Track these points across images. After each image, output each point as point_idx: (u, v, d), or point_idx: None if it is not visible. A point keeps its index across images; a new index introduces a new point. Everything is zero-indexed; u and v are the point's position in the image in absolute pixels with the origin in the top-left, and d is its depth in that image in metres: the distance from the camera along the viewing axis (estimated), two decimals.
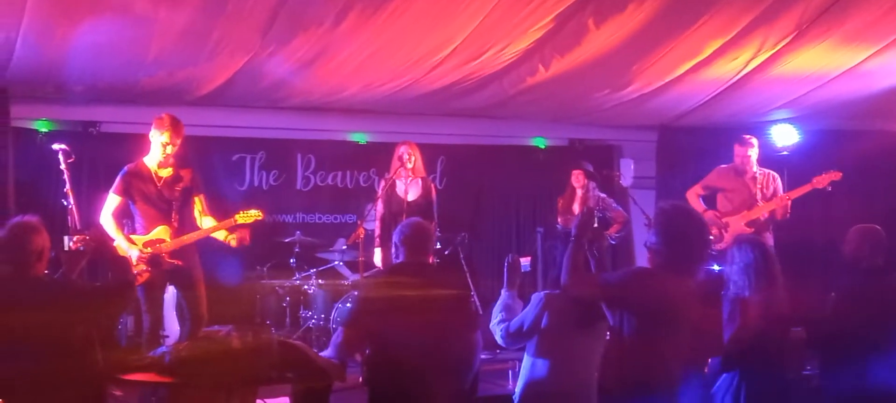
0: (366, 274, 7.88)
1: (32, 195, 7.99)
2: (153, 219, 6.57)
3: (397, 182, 7.94)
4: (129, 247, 6.40)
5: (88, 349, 4.43)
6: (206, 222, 6.65)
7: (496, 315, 5.11)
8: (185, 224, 6.61)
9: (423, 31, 7.08)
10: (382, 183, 8.10)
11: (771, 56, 7.88)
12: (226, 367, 4.48)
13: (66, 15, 6.42)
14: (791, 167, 9.02)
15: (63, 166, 6.31)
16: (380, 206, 8.02)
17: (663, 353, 4.29)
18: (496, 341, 5.21)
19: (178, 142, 6.54)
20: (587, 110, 9.64)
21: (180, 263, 6.53)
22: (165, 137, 6.43)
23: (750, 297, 4.95)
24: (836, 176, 8.15)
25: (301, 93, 8.63)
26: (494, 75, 8.19)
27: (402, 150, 7.87)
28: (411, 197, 7.89)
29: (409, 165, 7.83)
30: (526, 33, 7.22)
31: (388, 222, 7.79)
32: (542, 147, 10.55)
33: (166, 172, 6.54)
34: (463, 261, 8.48)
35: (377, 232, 8.04)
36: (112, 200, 6.51)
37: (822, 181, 8.16)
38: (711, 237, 8.14)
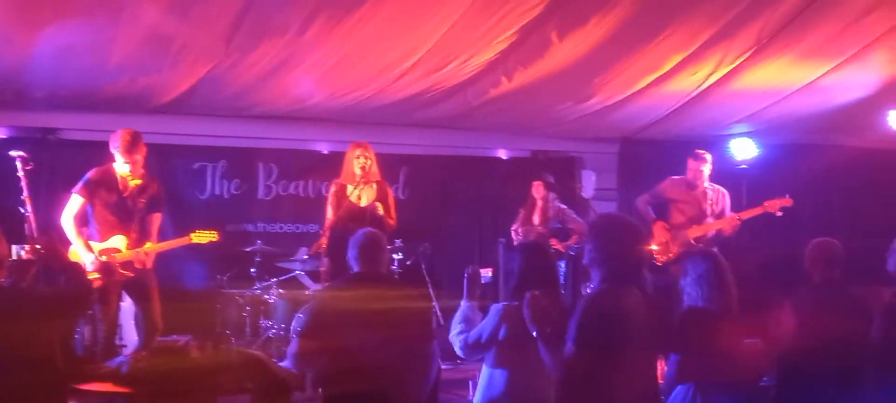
0: (322, 285, 7.77)
1: None
2: (111, 227, 6.54)
3: (348, 186, 7.50)
4: (85, 253, 6.36)
5: (49, 357, 4.39)
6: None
7: (455, 326, 5.10)
8: (143, 235, 6.59)
9: (388, 41, 7.10)
10: (331, 187, 7.66)
11: (731, 70, 7.99)
12: (184, 377, 4.47)
13: (26, 21, 6.37)
14: (749, 180, 9.12)
15: (21, 173, 6.25)
16: (328, 213, 7.58)
17: (622, 371, 4.28)
18: (456, 352, 5.22)
19: (138, 158, 6.52)
20: (549, 122, 9.70)
21: (133, 274, 6.50)
22: (121, 157, 6.43)
23: (703, 308, 5.00)
24: (787, 202, 8.21)
25: (264, 102, 8.60)
26: (458, 86, 8.22)
27: (357, 153, 7.43)
28: (364, 201, 7.48)
29: (358, 171, 7.36)
30: (490, 45, 7.27)
31: (339, 229, 7.31)
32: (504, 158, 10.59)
33: (135, 182, 6.51)
34: (425, 271, 8.48)
35: (324, 240, 7.54)
36: (75, 202, 6.47)
37: (774, 205, 8.22)
38: (655, 247, 8.24)
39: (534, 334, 4.27)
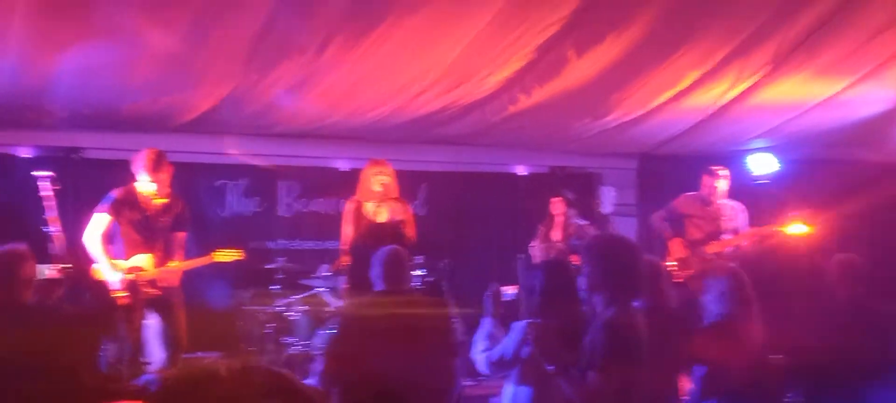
0: (345, 303, 7.81)
1: (12, 221, 7.89)
2: (136, 245, 6.61)
3: (366, 203, 7.55)
4: (110, 272, 6.41)
5: (76, 375, 4.44)
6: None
7: (479, 343, 5.13)
8: (168, 253, 6.65)
9: (406, 59, 7.13)
10: (348, 205, 7.71)
11: (749, 86, 7.99)
12: (212, 395, 4.48)
13: (51, 42, 6.42)
14: (769, 195, 9.11)
15: (48, 193, 6.31)
16: (346, 230, 7.63)
17: (644, 390, 4.28)
18: (478, 368, 5.24)
19: (164, 177, 6.59)
20: (568, 138, 9.72)
21: (159, 292, 6.56)
22: (147, 176, 6.49)
23: (726, 324, 5.02)
24: (805, 230, 8.11)
25: (284, 121, 8.66)
26: (477, 103, 8.25)
27: (375, 170, 7.47)
28: (381, 218, 7.52)
29: (378, 188, 7.41)
30: (508, 62, 7.30)
31: (358, 247, 7.40)
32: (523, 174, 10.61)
33: (160, 201, 6.58)
34: (444, 288, 8.50)
35: (345, 258, 7.62)
36: (100, 220, 6.53)
37: (792, 229, 8.16)
38: (673, 263, 8.23)
39: (548, 367, 4.27)
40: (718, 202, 8.32)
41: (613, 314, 4.25)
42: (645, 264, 4.42)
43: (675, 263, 8.25)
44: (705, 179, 8.34)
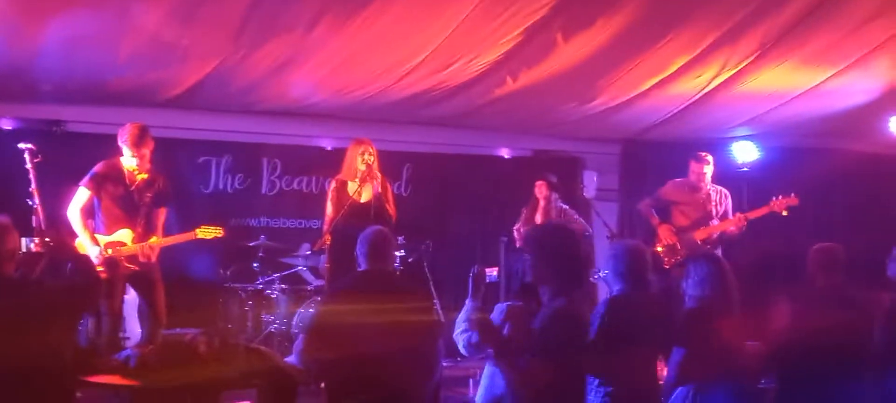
0: (326, 282, 7.82)
1: None
2: (117, 220, 6.60)
3: (349, 182, 7.56)
4: (91, 246, 6.40)
5: (58, 349, 4.42)
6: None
7: (460, 325, 5.13)
8: (149, 229, 6.64)
9: (395, 40, 7.13)
10: (331, 183, 7.72)
11: (734, 74, 8.02)
12: (191, 372, 4.51)
13: (37, 14, 6.38)
14: (751, 183, 9.18)
15: (29, 165, 6.29)
16: (328, 209, 7.62)
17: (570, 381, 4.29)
18: (459, 350, 5.26)
19: (146, 152, 6.57)
20: (552, 122, 9.74)
21: (138, 267, 6.55)
22: (129, 151, 6.48)
23: (705, 310, 5.05)
24: (793, 201, 8.26)
25: (270, 98, 8.63)
26: (463, 85, 8.24)
27: (359, 150, 7.47)
28: (364, 197, 7.49)
29: (362, 167, 7.40)
30: (495, 45, 7.29)
31: (341, 226, 7.39)
32: (507, 157, 10.63)
33: (142, 176, 6.56)
34: (426, 269, 8.51)
35: (327, 237, 7.57)
36: (82, 194, 6.53)
37: (780, 205, 8.27)
38: (661, 249, 8.30)
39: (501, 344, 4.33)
40: (706, 187, 8.39)
41: (562, 304, 4.28)
42: (586, 252, 4.50)
43: (662, 249, 8.32)
44: (693, 165, 8.42)
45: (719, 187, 8.52)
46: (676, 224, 8.47)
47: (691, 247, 8.15)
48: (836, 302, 5.52)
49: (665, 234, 8.39)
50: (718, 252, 8.13)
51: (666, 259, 8.27)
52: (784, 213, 8.27)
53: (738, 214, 8.36)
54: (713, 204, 8.41)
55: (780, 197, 8.30)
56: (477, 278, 5.12)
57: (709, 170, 8.42)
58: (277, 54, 7.30)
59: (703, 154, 8.45)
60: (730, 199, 8.50)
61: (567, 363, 4.20)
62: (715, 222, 8.37)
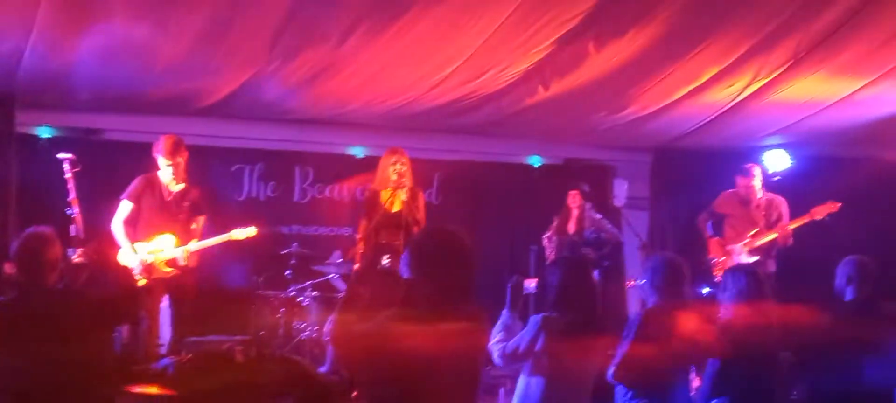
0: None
1: (35, 202, 7.93)
2: (155, 229, 6.72)
3: (381, 192, 7.63)
4: (131, 255, 6.51)
5: (99, 359, 4.48)
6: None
7: (495, 334, 5.16)
8: (187, 236, 6.74)
9: (427, 50, 7.16)
10: (364, 192, 7.83)
11: (766, 83, 7.98)
12: (228, 381, 4.56)
13: (76, 24, 6.46)
14: (783, 192, 9.12)
15: (68, 175, 6.38)
16: (362, 218, 7.71)
17: None
18: (492, 360, 5.27)
19: (180, 162, 6.69)
20: (583, 131, 9.72)
21: (177, 273, 6.65)
22: (164, 160, 6.59)
23: (740, 322, 5.06)
24: (834, 207, 8.17)
25: (303, 108, 8.69)
26: (495, 94, 8.25)
27: (392, 159, 7.57)
28: (395, 208, 7.57)
29: (394, 176, 7.49)
30: (527, 55, 7.30)
31: (371, 234, 7.49)
32: (537, 165, 10.62)
33: (177, 187, 6.68)
34: None
35: (361, 246, 7.64)
36: (125, 206, 6.69)
37: (821, 212, 8.19)
38: (714, 262, 8.26)
39: None
40: (757, 198, 8.37)
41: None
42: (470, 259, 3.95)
43: (715, 263, 8.31)
44: (740, 181, 8.45)
45: (774, 195, 8.48)
46: (727, 237, 8.45)
47: (738, 260, 8.11)
48: (866, 313, 5.50)
49: (714, 248, 8.39)
50: (771, 263, 8.11)
51: (717, 273, 8.21)
52: (826, 219, 8.18)
53: (781, 225, 8.30)
54: (764, 213, 8.36)
55: (822, 203, 8.23)
56: (515, 288, 5.13)
57: (757, 182, 8.40)
58: (311, 64, 7.34)
59: (749, 166, 8.45)
60: (784, 206, 8.44)
61: None
62: (765, 231, 8.30)
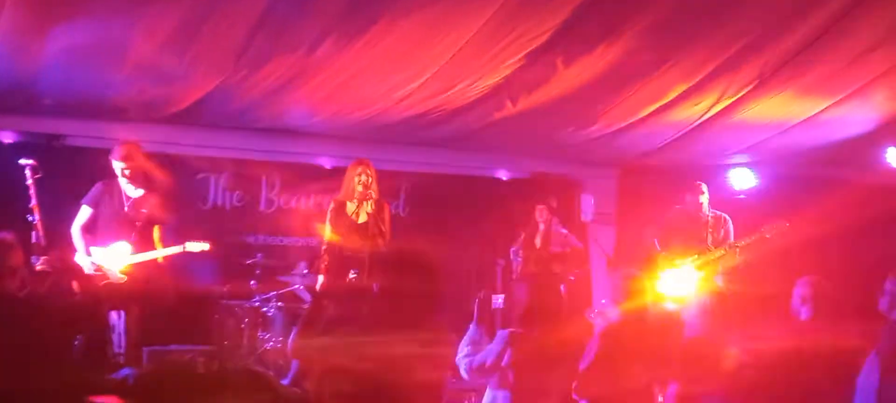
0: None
1: None
2: (113, 235, 6.65)
3: (347, 203, 7.67)
4: (88, 261, 6.45)
5: (59, 368, 4.41)
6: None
7: (462, 348, 5.17)
8: (144, 244, 6.67)
9: (396, 62, 7.14)
10: (331, 204, 7.81)
11: (733, 102, 8.04)
12: (189, 392, 4.48)
13: (40, 28, 6.39)
14: (747, 210, 9.20)
15: (30, 181, 6.31)
16: (326, 230, 7.72)
17: None
18: (459, 373, 5.27)
19: (135, 167, 6.63)
20: (551, 145, 9.75)
21: (133, 281, 6.59)
22: (118, 165, 6.54)
23: (705, 342, 5.08)
24: (783, 226, 8.29)
25: (270, 117, 8.64)
26: (463, 108, 8.26)
27: (358, 170, 7.60)
28: (361, 219, 7.59)
29: (360, 188, 7.52)
30: (496, 69, 7.32)
31: (336, 246, 7.52)
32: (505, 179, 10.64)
33: (136, 193, 6.61)
34: None
35: (323, 257, 7.71)
36: (84, 212, 6.62)
37: (770, 231, 8.30)
38: (659, 278, 8.30)
39: None
40: (705, 215, 8.44)
41: None
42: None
43: (662, 278, 8.35)
44: (688, 197, 8.52)
45: (720, 213, 8.56)
46: (675, 251, 8.50)
47: (688, 276, 8.17)
48: (818, 335, 5.50)
49: (663, 263, 8.43)
50: (718, 280, 8.20)
51: (665, 288, 8.27)
52: (774, 238, 8.27)
53: (730, 243, 8.39)
54: (710, 229, 8.44)
55: (771, 222, 8.32)
56: (483, 303, 5.15)
57: (704, 198, 8.48)
58: (279, 74, 7.31)
59: (697, 184, 8.54)
60: (730, 224, 8.54)
61: None
62: (711, 249, 8.38)
